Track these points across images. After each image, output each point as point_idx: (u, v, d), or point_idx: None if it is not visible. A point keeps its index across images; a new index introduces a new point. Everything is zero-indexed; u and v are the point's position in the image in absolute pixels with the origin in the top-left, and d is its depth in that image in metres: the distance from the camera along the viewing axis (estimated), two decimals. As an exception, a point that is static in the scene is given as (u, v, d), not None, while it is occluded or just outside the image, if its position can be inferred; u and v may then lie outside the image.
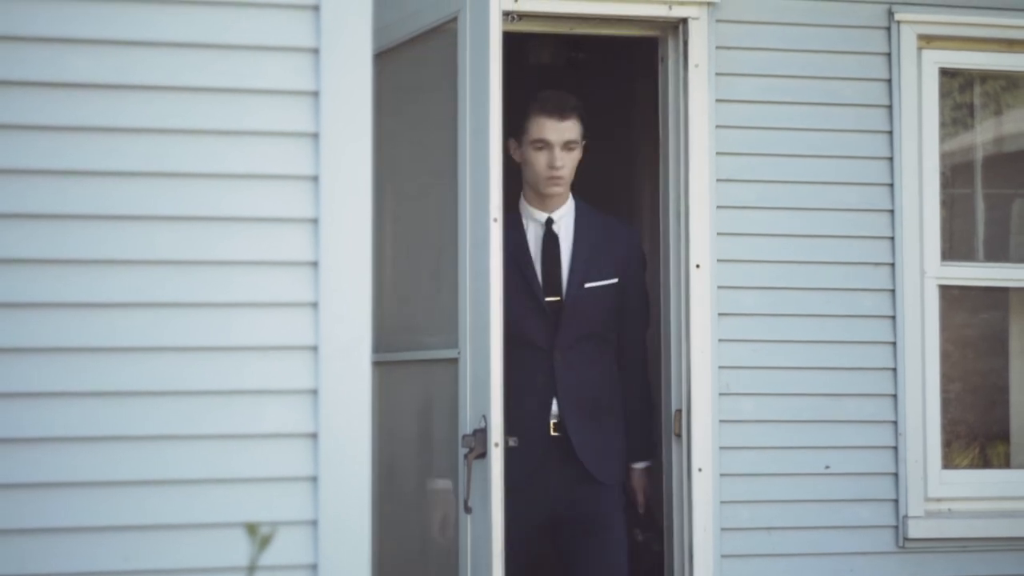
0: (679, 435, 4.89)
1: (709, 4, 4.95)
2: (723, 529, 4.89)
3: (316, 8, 3.40)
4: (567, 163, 4.51)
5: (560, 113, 4.49)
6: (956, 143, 5.39)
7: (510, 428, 4.13)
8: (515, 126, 4.51)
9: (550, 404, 4.52)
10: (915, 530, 5.04)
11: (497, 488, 4.04)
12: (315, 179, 3.38)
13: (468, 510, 4.11)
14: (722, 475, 4.89)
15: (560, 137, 4.48)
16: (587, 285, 4.56)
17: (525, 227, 4.58)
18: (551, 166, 4.49)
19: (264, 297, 3.36)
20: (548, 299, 4.54)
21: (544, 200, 4.58)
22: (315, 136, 3.38)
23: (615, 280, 4.62)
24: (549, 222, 4.58)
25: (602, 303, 4.60)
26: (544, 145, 4.50)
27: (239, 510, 3.31)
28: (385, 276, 4.64)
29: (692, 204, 4.90)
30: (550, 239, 4.57)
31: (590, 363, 4.59)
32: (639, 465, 4.77)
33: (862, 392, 5.06)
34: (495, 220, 4.08)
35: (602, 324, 4.62)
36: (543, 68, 6.92)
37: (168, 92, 3.34)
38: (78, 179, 3.29)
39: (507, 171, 4.18)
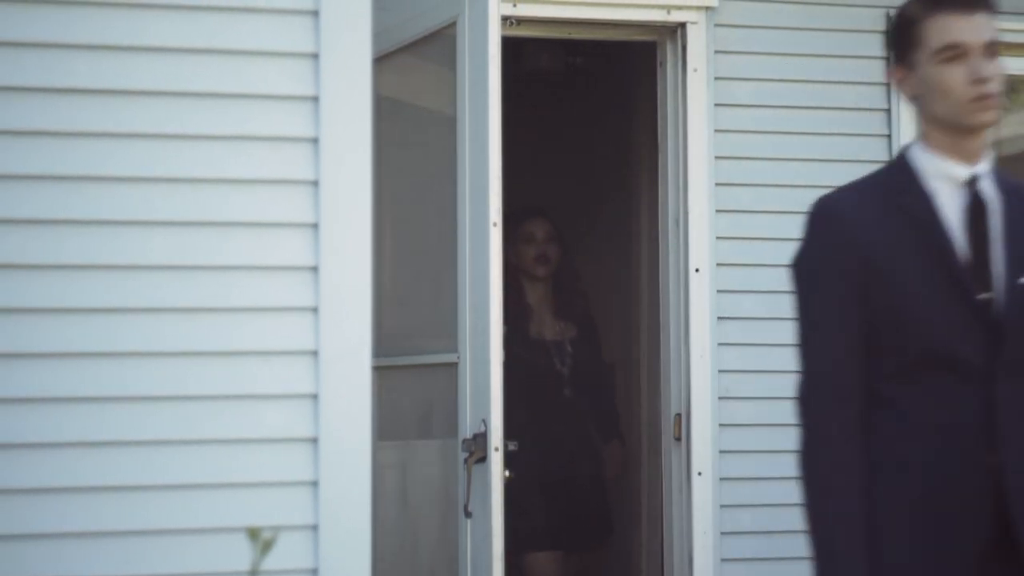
0: (679, 439, 4.89)
1: (708, 8, 4.95)
2: (723, 533, 4.89)
3: (315, 13, 3.40)
4: (994, 74, 3.06)
5: (968, 5, 3.11)
6: (955, 146, 5.38)
7: (932, 475, 3.03)
8: (899, 47, 3.12)
9: (984, 456, 2.97)
10: (915, 533, 5.03)
11: (497, 492, 4.04)
12: (315, 184, 3.38)
13: (468, 514, 4.11)
14: (722, 479, 4.89)
15: (978, 36, 3.08)
16: None
17: (929, 189, 3.06)
18: (975, 79, 3.03)
19: (264, 302, 3.36)
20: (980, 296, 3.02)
21: (962, 144, 3.07)
22: (315, 141, 3.38)
23: None
24: (973, 181, 3.04)
25: None
26: (957, 53, 3.05)
27: (240, 514, 3.30)
28: (385, 280, 4.64)
29: (691, 208, 4.90)
30: (977, 207, 3.04)
31: None
32: None
33: (862, 395, 5.06)
34: (495, 224, 4.08)
35: None
36: (541, 73, 6.92)
37: (167, 97, 3.34)
38: (77, 184, 3.29)
39: (507, 173, 4.17)
